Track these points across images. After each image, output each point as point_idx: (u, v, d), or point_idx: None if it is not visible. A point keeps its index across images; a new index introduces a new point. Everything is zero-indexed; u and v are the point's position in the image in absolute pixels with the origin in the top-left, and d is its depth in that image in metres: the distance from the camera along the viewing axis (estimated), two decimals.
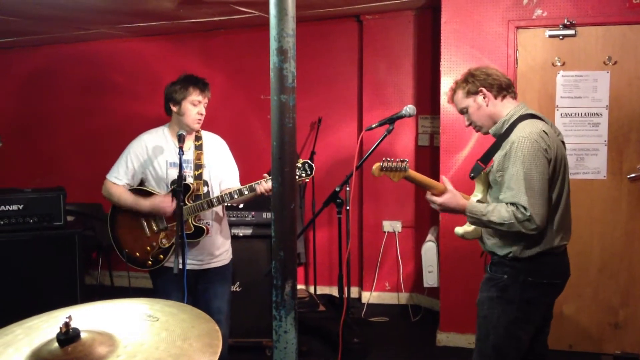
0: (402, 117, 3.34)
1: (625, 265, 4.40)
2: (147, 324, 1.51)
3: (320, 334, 4.82)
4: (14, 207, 4.60)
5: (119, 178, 3.41)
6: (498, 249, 2.75)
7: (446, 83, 4.60)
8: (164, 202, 3.29)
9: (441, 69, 4.66)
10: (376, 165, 2.71)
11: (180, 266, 3.13)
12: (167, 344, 1.41)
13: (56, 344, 1.34)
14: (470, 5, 4.55)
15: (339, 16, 5.75)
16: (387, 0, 5.10)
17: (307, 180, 3.33)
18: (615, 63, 4.33)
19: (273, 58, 1.37)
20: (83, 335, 1.37)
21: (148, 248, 3.40)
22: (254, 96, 6.06)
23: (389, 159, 2.70)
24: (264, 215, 4.57)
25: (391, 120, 3.31)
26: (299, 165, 3.25)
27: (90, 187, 6.34)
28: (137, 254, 3.42)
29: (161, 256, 3.38)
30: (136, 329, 1.48)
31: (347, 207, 5.05)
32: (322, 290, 5.93)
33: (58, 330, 1.35)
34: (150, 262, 3.40)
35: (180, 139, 3.21)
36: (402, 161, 2.70)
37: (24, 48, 6.76)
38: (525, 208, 2.54)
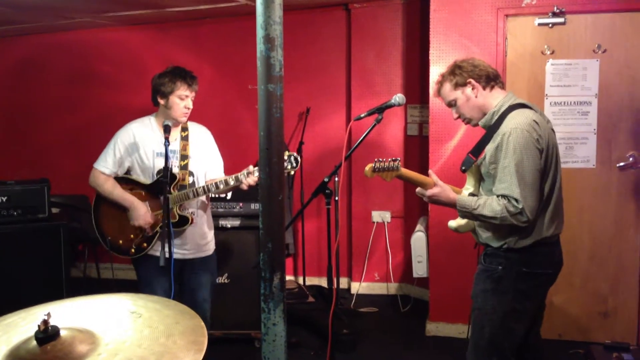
0: (391, 106, 3.30)
1: (615, 254, 4.40)
2: (130, 320, 1.47)
3: (310, 325, 4.81)
4: None
5: (107, 167, 3.41)
6: (493, 241, 2.74)
7: (435, 72, 4.56)
8: (145, 218, 3.34)
9: (430, 57, 4.62)
10: (368, 167, 2.70)
11: (167, 256, 3.16)
12: (150, 341, 1.38)
13: (34, 343, 1.30)
14: None
15: (326, 4, 5.70)
16: None
17: (293, 173, 3.35)
18: (604, 51, 4.31)
19: (260, 46, 1.34)
20: (63, 333, 1.33)
21: (132, 236, 3.40)
22: (242, 86, 6.00)
23: (381, 159, 2.68)
24: (252, 206, 4.53)
25: (380, 110, 3.27)
26: (285, 157, 3.24)
27: (75, 178, 6.28)
28: (120, 241, 3.43)
29: (145, 244, 3.39)
30: (118, 325, 1.44)
31: (336, 198, 5.01)
32: (311, 281, 5.90)
33: (36, 327, 1.30)
34: (133, 250, 3.41)
35: (166, 130, 3.21)
36: (393, 160, 2.69)
37: (7, 38, 6.65)
38: (517, 200, 2.53)
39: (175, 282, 3.37)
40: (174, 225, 3.31)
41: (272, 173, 1.37)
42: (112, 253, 3.44)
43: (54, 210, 4.96)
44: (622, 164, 4.32)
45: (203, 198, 3.48)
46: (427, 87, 4.74)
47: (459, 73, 2.80)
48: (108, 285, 6.05)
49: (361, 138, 3.32)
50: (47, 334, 1.30)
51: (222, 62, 6.07)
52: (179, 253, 3.40)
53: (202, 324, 1.46)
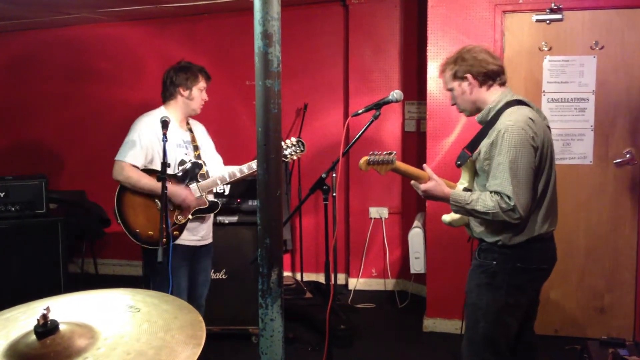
0: (389, 102, 3.30)
1: (611, 250, 4.42)
2: (129, 315, 1.48)
3: (307, 321, 4.82)
4: None
5: (136, 159, 3.40)
6: (486, 236, 2.75)
7: (433, 68, 4.57)
8: (189, 197, 3.43)
9: (428, 54, 4.63)
10: (363, 160, 2.69)
11: (169, 243, 3.27)
12: (148, 335, 1.38)
13: (34, 337, 1.30)
14: None
15: (324, 0, 5.70)
16: None
17: (300, 157, 3.68)
18: (602, 48, 4.32)
19: (258, 42, 1.35)
20: (62, 327, 1.33)
21: (164, 225, 3.36)
22: (240, 82, 6.00)
23: (376, 152, 2.68)
24: (250, 202, 4.53)
25: (378, 106, 3.28)
26: (294, 142, 3.59)
27: (73, 174, 6.32)
28: (150, 232, 3.43)
29: (176, 232, 3.48)
30: (117, 320, 1.45)
31: (334, 194, 5.01)
32: (308, 277, 5.92)
33: (36, 322, 1.31)
34: (165, 240, 3.36)
35: (164, 125, 3.22)
36: (389, 153, 2.68)
37: (4, 33, 6.64)
38: (509, 197, 2.53)
39: (186, 268, 3.56)
40: (205, 211, 3.53)
41: (269, 169, 1.38)
42: (142, 246, 3.44)
43: (52, 205, 4.97)
44: (619, 160, 4.34)
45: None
46: (424, 83, 4.74)
47: (460, 64, 2.80)
48: (106, 281, 6.07)
49: (359, 134, 3.33)
50: (46, 328, 1.30)
51: (220, 58, 6.06)
52: (195, 239, 3.59)
53: (200, 318, 1.47)
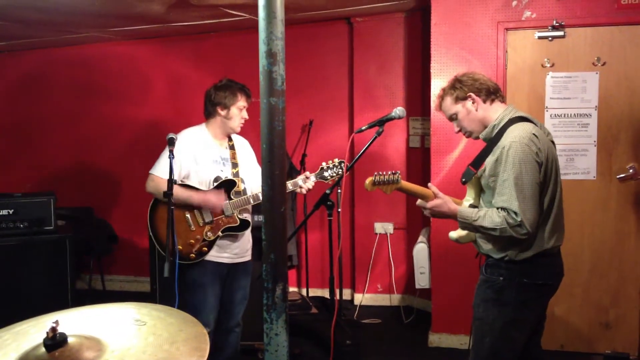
0: (391, 119, 3.33)
1: (615, 265, 4.42)
2: (135, 328, 1.51)
3: (313, 336, 4.82)
4: (4, 212, 4.59)
5: (166, 172, 3.39)
6: (494, 252, 2.76)
7: (436, 85, 4.61)
8: (220, 200, 3.44)
9: (431, 70, 4.67)
10: (369, 180, 2.74)
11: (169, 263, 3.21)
12: (154, 348, 1.41)
13: (43, 349, 1.34)
14: (460, 7, 4.56)
15: (329, 18, 5.75)
16: (377, 2, 5.11)
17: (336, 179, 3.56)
18: (604, 64, 4.35)
19: (262, 61, 1.37)
20: (70, 340, 1.36)
21: (192, 241, 3.45)
22: None
23: (380, 172, 2.72)
24: (256, 217, 4.55)
25: (381, 122, 3.30)
26: (336, 163, 3.55)
27: (81, 190, 6.36)
28: (180, 247, 3.43)
29: (205, 248, 3.47)
30: (124, 333, 1.48)
31: (339, 210, 5.05)
32: (314, 292, 5.92)
33: (45, 335, 1.34)
34: (193, 255, 3.45)
35: (171, 142, 3.25)
36: (393, 173, 2.72)
37: (15, 52, 6.73)
38: (516, 213, 2.55)
39: (219, 286, 3.56)
40: (235, 229, 3.50)
41: (274, 185, 1.40)
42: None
43: (60, 222, 5.01)
44: (622, 175, 4.35)
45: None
46: (428, 99, 4.79)
47: (459, 87, 2.84)
48: (113, 297, 6.08)
49: (362, 151, 3.35)
50: (55, 340, 1.33)
51: (226, 75, 6.06)
52: (230, 257, 3.57)
53: (205, 331, 1.49)
